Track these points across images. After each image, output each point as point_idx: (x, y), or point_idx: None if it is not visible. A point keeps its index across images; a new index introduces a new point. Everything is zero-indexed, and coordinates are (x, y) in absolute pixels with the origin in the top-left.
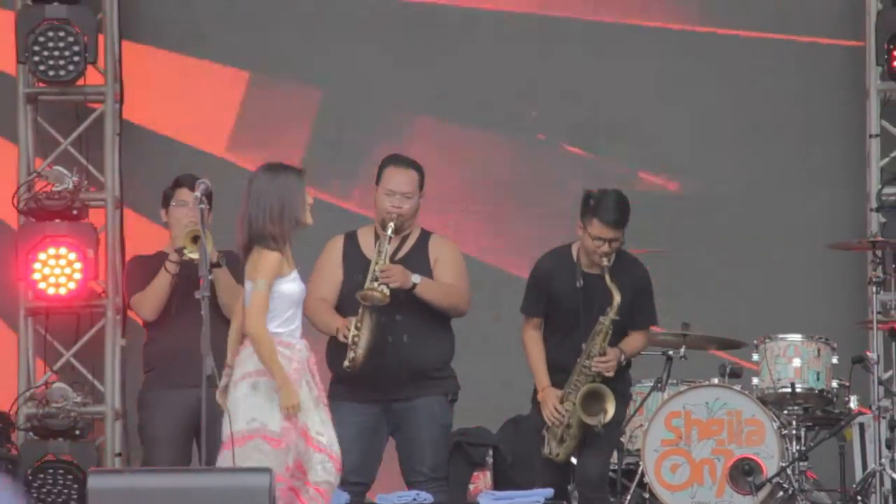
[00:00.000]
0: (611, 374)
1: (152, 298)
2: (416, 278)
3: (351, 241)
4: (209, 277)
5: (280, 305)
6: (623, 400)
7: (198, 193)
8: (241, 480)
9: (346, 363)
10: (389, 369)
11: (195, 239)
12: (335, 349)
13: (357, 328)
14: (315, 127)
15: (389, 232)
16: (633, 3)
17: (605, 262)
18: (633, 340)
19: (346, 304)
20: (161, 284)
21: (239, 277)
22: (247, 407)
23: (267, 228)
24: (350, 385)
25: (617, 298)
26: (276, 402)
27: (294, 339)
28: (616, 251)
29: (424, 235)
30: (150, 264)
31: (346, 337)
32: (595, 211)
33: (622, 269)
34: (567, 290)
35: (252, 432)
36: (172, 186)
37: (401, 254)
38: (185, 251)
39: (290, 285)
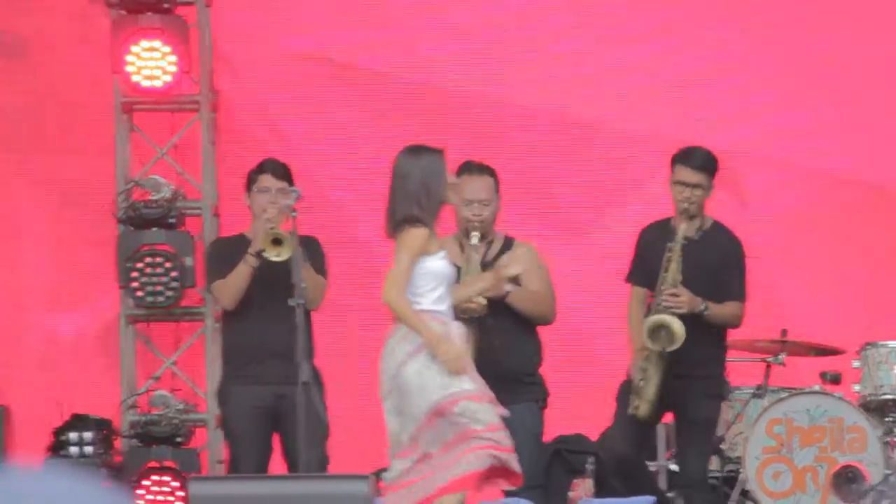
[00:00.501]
0: (683, 310)
1: (232, 288)
2: (508, 287)
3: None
4: (302, 285)
5: (429, 282)
6: (717, 399)
7: (290, 202)
8: (341, 487)
9: None
10: (482, 373)
11: (275, 241)
12: None
13: None
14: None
15: (475, 241)
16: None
17: (684, 205)
18: (723, 305)
19: None
20: (241, 276)
21: (319, 263)
22: (432, 376)
23: (413, 210)
24: None
25: (683, 226)
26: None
27: (448, 318)
28: (700, 202)
29: (508, 242)
30: (229, 248)
31: None
32: (680, 158)
33: (713, 237)
34: (663, 255)
35: (453, 396)
36: (256, 171)
37: (487, 260)
38: (264, 253)
39: (439, 263)
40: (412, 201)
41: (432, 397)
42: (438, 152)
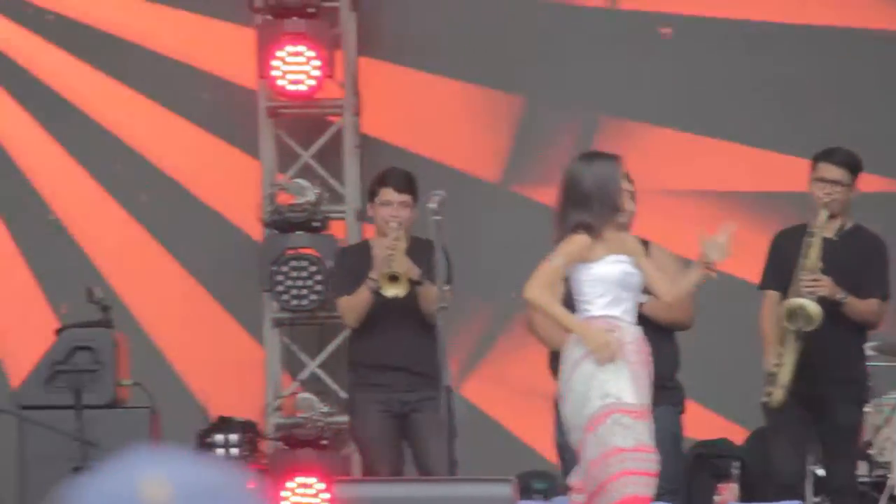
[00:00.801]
0: (823, 292)
1: (355, 311)
2: (642, 297)
3: None
4: (445, 288)
5: (597, 287)
6: (861, 404)
7: (433, 205)
8: (484, 490)
9: None
10: None
11: (392, 277)
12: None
13: None
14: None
15: None
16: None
17: (825, 201)
18: (864, 301)
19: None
20: (363, 300)
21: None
22: (597, 384)
23: (583, 217)
24: None
25: (823, 213)
26: (624, 375)
27: (624, 322)
28: (840, 199)
29: (643, 245)
30: (353, 258)
31: None
32: (822, 155)
33: (853, 237)
34: (797, 258)
35: (608, 408)
36: (378, 182)
37: None
38: (381, 290)
39: (608, 267)
40: (583, 208)
41: (592, 406)
42: (613, 158)
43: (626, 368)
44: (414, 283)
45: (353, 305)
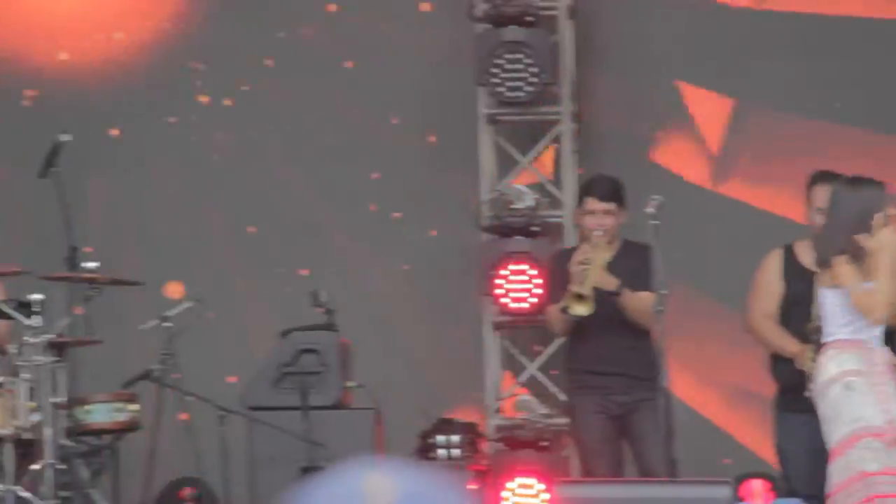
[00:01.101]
0: None
1: (560, 322)
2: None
3: (789, 253)
4: (663, 292)
5: (847, 313)
6: None
7: (651, 210)
8: (703, 492)
9: (806, 393)
10: None
11: (578, 296)
12: (781, 359)
13: (813, 360)
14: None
15: None
16: None
17: None
18: None
19: (790, 317)
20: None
21: (650, 274)
22: (847, 408)
23: (841, 241)
24: (799, 395)
25: None
26: (874, 399)
27: (872, 346)
28: None
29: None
30: (564, 263)
31: (801, 365)
32: None
33: None
34: None
35: (859, 431)
36: (584, 190)
37: None
38: (568, 310)
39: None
40: (842, 232)
41: (840, 431)
42: (880, 186)
43: (873, 391)
44: (613, 295)
45: (557, 315)
